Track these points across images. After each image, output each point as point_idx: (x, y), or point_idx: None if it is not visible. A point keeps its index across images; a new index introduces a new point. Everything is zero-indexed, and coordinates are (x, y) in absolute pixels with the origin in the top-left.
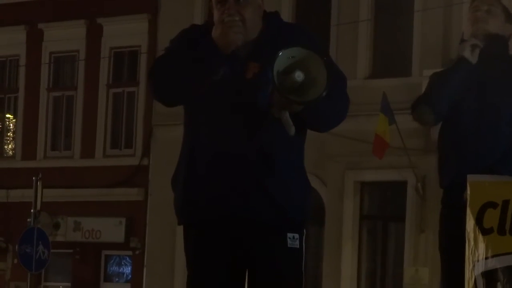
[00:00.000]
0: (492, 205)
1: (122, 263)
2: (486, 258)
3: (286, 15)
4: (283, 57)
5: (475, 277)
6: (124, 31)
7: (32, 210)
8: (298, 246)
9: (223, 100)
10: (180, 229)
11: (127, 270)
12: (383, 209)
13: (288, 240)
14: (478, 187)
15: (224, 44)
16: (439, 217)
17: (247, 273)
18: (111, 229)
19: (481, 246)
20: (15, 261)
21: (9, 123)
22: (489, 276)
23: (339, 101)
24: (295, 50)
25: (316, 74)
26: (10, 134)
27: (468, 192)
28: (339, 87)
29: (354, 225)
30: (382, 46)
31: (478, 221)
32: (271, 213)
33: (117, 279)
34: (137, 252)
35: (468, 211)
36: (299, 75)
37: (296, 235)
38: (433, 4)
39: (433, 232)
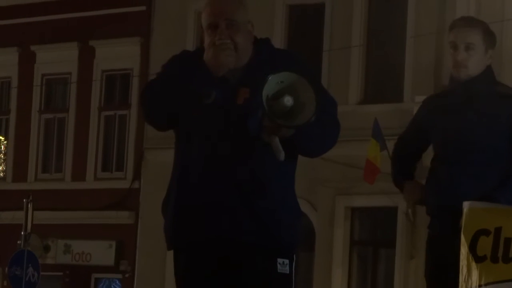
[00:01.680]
0: (485, 232)
1: (112, 286)
2: (480, 286)
3: (278, 41)
4: (272, 82)
5: None
6: (116, 54)
7: (22, 232)
8: (288, 272)
9: (214, 125)
10: (170, 253)
11: None
12: (373, 234)
13: (278, 265)
14: (472, 214)
15: (215, 66)
16: (426, 244)
17: None
18: (101, 252)
19: (475, 273)
20: (5, 283)
21: (0, 145)
22: None
23: (329, 127)
24: (284, 75)
25: (305, 99)
26: (1, 156)
27: (463, 219)
28: (330, 113)
29: (345, 251)
30: (374, 72)
31: (472, 248)
32: (260, 235)
33: None
34: (127, 275)
35: (462, 238)
36: (288, 100)
37: (286, 261)
38: (425, 30)
39: (423, 258)
